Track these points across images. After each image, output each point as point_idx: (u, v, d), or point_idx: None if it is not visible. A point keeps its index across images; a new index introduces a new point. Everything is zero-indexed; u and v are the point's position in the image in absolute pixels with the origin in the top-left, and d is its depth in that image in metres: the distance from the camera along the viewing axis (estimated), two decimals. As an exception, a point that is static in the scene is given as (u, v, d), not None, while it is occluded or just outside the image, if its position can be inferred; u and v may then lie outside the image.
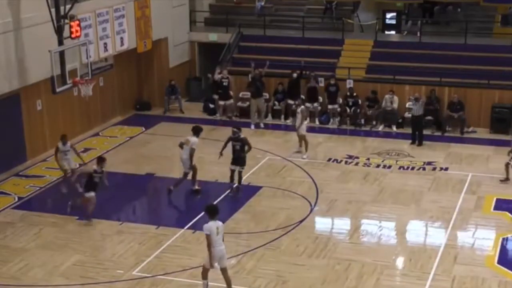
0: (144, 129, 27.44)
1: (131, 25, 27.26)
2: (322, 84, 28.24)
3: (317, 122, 27.97)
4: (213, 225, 14.54)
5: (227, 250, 16.97)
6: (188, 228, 18.62)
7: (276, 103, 28.58)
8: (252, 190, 21.10)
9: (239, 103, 29.14)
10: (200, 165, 23.47)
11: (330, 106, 28.00)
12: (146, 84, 30.59)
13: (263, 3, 33.62)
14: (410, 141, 25.40)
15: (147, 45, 28.43)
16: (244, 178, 21.62)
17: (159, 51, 30.21)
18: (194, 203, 20.99)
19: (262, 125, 27.57)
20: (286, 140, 26.12)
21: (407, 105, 26.45)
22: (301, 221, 19.01)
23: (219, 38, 32.01)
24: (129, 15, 27.13)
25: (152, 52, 29.51)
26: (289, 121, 27.56)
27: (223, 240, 14.81)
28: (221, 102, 28.57)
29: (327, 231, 19.02)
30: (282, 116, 28.53)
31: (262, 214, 19.44)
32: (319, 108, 28.07)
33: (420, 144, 25.11)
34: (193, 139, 20.82)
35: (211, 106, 29.23)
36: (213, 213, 14.70)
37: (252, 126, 27.34)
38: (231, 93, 28.80)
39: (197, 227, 18.57)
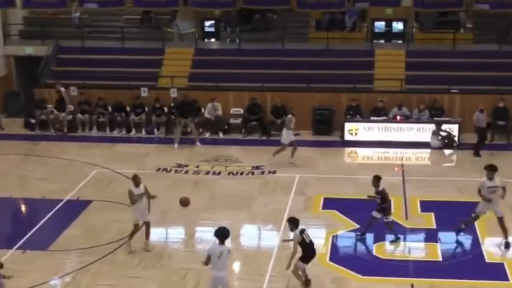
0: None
1: None
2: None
3: (143, 133, 27.81)
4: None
5: (59, 268, 16.60)
6: (17, 248, 17.85)
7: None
8: (82, 205, 20.58)
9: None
10: (25, 182, 22.83)
11: (154, 118, 27.89)
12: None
13: (78, 14, 32.92)
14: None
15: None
16: (72, 193, 21.34)
17: (-29, 66, 28.97)
18: (21, 221, 20.26)
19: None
20: (112, 152, 25.78)
21: (474, 118, 25.28)
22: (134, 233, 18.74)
23: (35, 51, 31.11)
24: None
25: (-36, 67, 28.25)
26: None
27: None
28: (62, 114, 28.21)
29: (161, 241, 18.84)
30: (107, 128, 28.18)
31: (94, 228, 19.00)
32: (144, 118, 27.89)
33: (478, 154, 24.92)
34: None
35: (32, 121, 28.36)
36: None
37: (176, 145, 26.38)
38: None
39: (26, 246, 17.88)
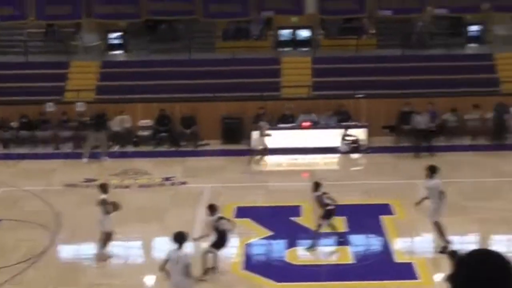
0: None
1: None
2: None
3: (50, 148, 27.41)
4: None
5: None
6: None
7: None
8: (-11, 225, 20.10)
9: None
10: None
11: (61, 132, 27.48)
12: None
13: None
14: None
15: None
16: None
17: None
18: None
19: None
20: (18, 169, 25.30)
21: (413, 120, 26.27)
22: (45, 251, 18.40)
23: None
24: None
25: None
26: None
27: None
28: None
29: (73, 258, 18.58)
30: (12, 145, 27.64)
31: (3, 248, 18.55)
32: (51, 133, 27.46)
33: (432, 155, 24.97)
34: None
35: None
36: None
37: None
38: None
39: None
